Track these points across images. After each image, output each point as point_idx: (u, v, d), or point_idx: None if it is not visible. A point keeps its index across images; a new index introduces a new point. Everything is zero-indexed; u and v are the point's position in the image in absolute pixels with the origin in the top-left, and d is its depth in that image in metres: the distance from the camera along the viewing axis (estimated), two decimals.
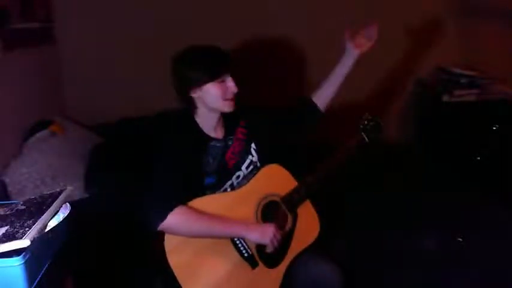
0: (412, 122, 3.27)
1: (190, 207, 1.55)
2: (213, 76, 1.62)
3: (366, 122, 1.82)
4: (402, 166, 2.92)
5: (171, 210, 1.50)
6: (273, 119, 1.87)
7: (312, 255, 1.71)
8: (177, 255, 1.53)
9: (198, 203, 1.57)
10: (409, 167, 2.90)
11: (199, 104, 1.66)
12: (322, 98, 1.90)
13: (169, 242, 1.53)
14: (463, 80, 3.00)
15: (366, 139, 1.79)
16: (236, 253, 1.61)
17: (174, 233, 1.53)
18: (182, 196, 1.55)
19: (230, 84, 1.63)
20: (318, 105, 1.89)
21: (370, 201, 2.64)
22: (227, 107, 1.66)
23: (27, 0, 2.57)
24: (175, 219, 1.50)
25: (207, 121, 1.69)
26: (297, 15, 3.10)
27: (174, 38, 2.98)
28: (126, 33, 3.01)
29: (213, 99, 1.64)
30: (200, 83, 1.62)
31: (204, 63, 1.62)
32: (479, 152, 2.91)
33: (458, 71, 3.04)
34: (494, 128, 2.88)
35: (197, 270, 1.55)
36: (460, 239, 2.42)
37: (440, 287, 2.17)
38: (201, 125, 1.69)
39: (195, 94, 1.64)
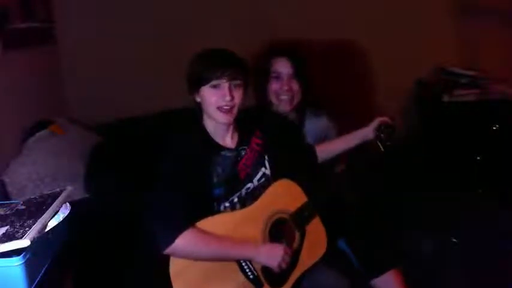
0: (412, 122, 3.26)
1: (199, 230, 1.50)
2: (206, 79, 1.55)
3: (380, 131, 1.79)
4: (402, 166, 2.92)
5: (180, 234, 1.45)
6: (288, 142, 1.84)
7: (321, 266, 1.68)
8: (182, 279, 1.51)
9: (205, 223, 1.53)
10: (409, 167, 2.90)
11: (203, 109, 1.61)
12: (324, 154, 1.91)
13: (174, 266, 1.51)
14: (463, 80, 2.99)
15: (382, 148, 1.76)
16: (241, 275, 1.57)
17: (181, 256, 1.50)
18: (190, 216, 1.50)
19: (224, 92, 1.55)
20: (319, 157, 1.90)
21: (369, 201, 2.64)
22: (221, 118, 1.58)
23: (27, 0, 2.57)
24: (183, 243, 1.45)
25: (216, 128, 1.63)
26: (298, 15, 3.09)
27: (175, 38, 3.01)
28: (126, 33, 3.01)
29: (208, 106, 1.58)
30: (196, 85, 1.58)
31: (202, 65, 1.57)
32: (479, 152, 2.91)
33: (458, 71, 3.04)
34: (494, 128, 2.88)
35: None
36: (455, 240, 2.42)
37: (439, 287, 2.17)
38: (210, 132, 1.63)
39: (198, 98, 1.60)
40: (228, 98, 1.55)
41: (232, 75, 1.55)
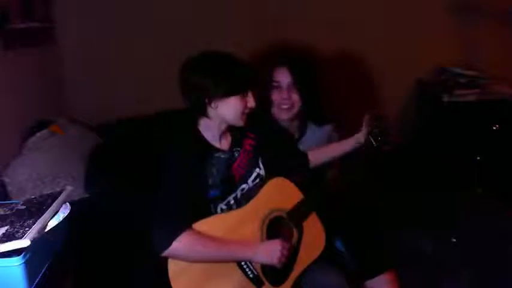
0: (412, 122, 3.27)
1: (195, 233, 1.50)
2: (242, 90, 1.58)
3: (373, 126, 1.77)
4: (402, 166, 2.92)
5: (176, 237, 1.45)
6: (280, 144, 1.86)
7: (318, 264, 1.68)
8: (181, 279, 1.51)
9: (202, 225, 1.53)
10: (409, 167, 2.90)
11: (211, 115, 1.60)
12: (315, 159, 1.89)
13: (172, 267, 1.51)
14: (463, 80, 2.99)
15: (374, 143, 1.74)
16: (241, 274, 1.57)
17: (179, 259, 1.50)
18: (187, 219, 1.50)
19: (250, 99, 1.60)
20: (311, 162, 1.89)
21: (369, 201, 2.64)
22: (242, 122, 1.63)
23: (27, 0, 2.57)
24: (180, 247, 1.46)
25: (212, 131, 1.64)
26: (298, 15, 3.09)
27: (174, 38, 3.01)
28: (126, 33, 3.01)
29: (231, 113, 1.59)
30: (225, 95, 1.56)
31: (234, 75, 1.57)
32: (479, 152, 2.91)
33: (458, 71, 3.04)
34: (494, 128, 2.88)
35: None
36: (454, 239, 2.43)
37: (439, 287, 2.17)
38: (204, 135, 1.64)
39: (213, 105, 1.57)
40: (254, 105, 1.61)
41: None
